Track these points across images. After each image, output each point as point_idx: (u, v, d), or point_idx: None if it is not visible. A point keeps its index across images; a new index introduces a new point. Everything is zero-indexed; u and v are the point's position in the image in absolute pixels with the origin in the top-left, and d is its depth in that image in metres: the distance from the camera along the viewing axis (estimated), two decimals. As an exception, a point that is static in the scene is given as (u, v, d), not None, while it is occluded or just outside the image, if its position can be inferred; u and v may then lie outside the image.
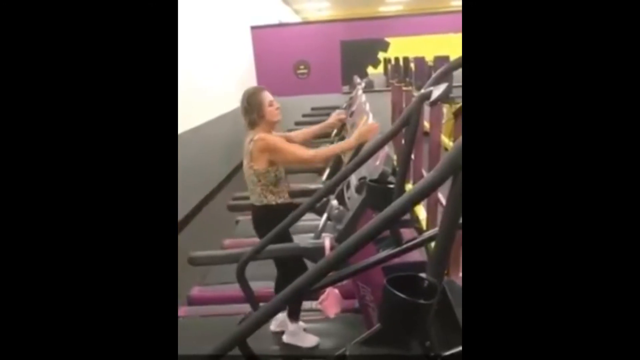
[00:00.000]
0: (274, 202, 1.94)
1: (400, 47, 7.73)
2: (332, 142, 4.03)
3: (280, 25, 7.67)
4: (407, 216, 2.92)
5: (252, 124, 1.91)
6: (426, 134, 2.92)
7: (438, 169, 0.58)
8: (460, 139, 0.57)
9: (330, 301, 1.58)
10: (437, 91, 0.90)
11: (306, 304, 2.08)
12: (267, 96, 1.92)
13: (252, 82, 6.88)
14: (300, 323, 2.01)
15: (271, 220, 1.91)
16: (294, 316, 1.99)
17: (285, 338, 1.97)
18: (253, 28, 6.84)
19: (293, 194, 3.03)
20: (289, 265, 1.90)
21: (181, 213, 3.94)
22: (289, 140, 2.06)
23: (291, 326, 1.97)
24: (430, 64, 6.57)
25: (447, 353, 0.70)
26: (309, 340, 1.97)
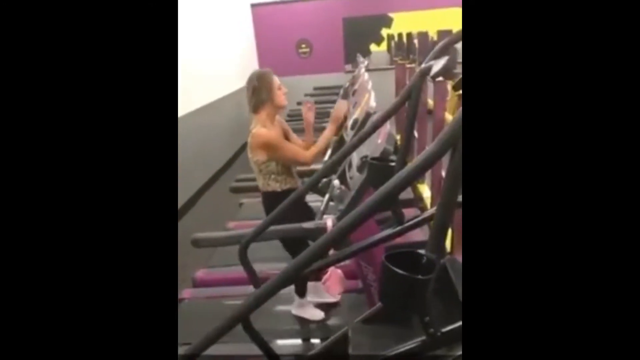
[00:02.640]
0: (279, 189, 1.94)
1: (404, 23, 7.56)
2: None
3: (281, 2, 7.50)
4: (410, 195, 2.92)
5: (258, 106, 1.87)
6: (430, 111, 2.87)
7: (436, 144, 0.56)
8: (458, 113, 0.55)
9: (333, 281, 1.59)
10: (437, 65, 0.87)
11: (309, 285, 2.09)
12: (277, 80, 1.90)
13: (253, 61, 6.80)
14: (308, 298, 2.03)
15: (277, 206, 1.90)
16: (300, 292, 2.01)
17: (293, 310, 2.00)
18: (253, 5, 6.71)
19: (297, 173, 3.02)
20: (295, 247, 1.91)
21: (185, 196, 3.96)
22: (287, 135, 2.03)
23: (298, 300, 2.00)
24: (434, 39, 6.44)
25: (446, 329, 0.70)
26: (317, 314, 2.00)
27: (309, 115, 2.04)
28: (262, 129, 1.86)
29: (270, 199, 1.93)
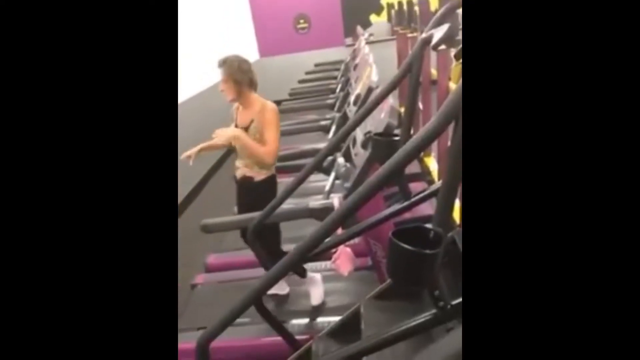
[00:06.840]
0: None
1: (403, -9, 7.32)
2: (337, 98, 3.93)
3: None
4: (418, 169, 2.89)
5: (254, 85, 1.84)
6: (434, 82, 2.81)
7: (437, 117, 0.54)
8: (459, 84, 0.53)
9: (343, 259, 1.59)
10: (438, 34, 0.84)
11: (320, 264, 2.10)
12: None
13: (251, 41, 6.68)
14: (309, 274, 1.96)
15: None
16: (302, 275, 1.92)
17: (313, 298, 1.94)
18: (248, -17, 6.54)
19: (302, 154, 3.00)
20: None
21: (190, 184, 3.96)
22: None
23: (306, 280, 1.95)
24: (436, 6, 6.25)
25: (456, 301, 0.69)
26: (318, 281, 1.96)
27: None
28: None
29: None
